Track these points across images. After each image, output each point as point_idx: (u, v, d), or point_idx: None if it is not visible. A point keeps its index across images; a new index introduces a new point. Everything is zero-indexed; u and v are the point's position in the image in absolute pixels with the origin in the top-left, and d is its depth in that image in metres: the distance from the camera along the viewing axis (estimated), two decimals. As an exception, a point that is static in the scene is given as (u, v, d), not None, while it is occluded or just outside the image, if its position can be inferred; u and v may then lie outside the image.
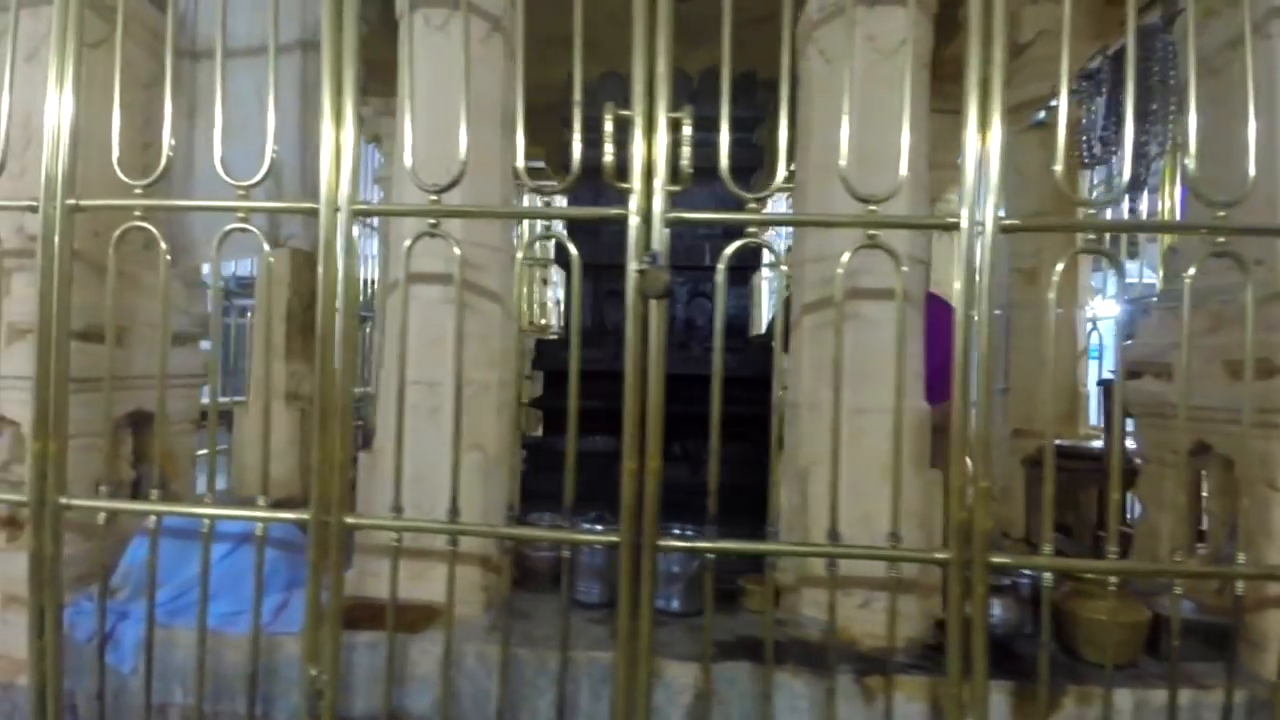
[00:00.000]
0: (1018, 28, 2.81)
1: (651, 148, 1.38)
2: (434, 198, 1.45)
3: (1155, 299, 2.22)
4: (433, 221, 1.45)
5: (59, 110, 1.56)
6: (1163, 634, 1.50)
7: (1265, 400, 1.57)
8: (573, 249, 1.48)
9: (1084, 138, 2.36)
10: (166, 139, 1.57)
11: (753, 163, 2.56)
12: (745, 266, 3.19)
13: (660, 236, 1.38)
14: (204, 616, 1.51)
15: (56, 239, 1.53)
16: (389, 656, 1.48)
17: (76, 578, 1.81)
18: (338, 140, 1.44)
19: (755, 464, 1.90)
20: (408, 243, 1.50)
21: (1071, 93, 2.11)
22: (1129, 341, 2.21)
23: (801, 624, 1.73)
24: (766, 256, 3.42)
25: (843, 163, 1.41)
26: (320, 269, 1.44)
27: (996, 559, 1.35)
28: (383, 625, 1.55)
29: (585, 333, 1.65)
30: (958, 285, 1.38)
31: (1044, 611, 1.37)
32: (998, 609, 1.65)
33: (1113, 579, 1.41)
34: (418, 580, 1.73)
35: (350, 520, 1.48)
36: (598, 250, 2.27)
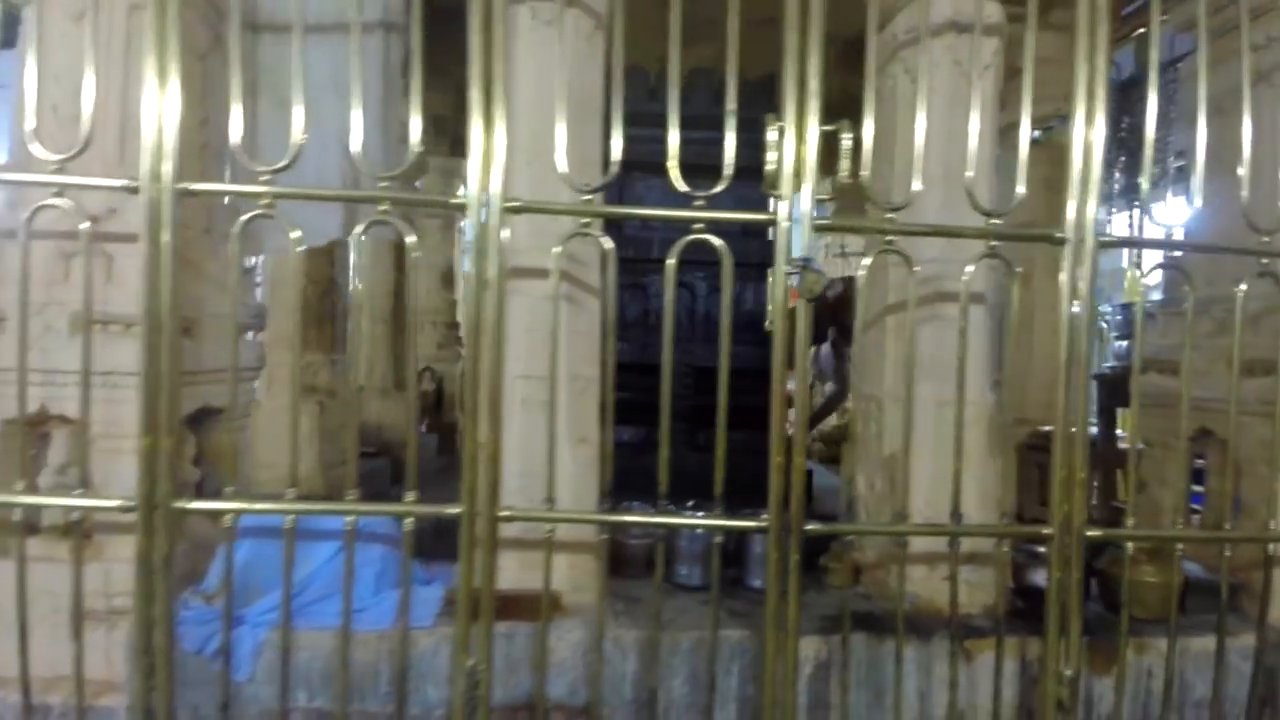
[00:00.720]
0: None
1: (802, 156, 1.47)
2: (587, 197, 1.47)
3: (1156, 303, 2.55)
4: (585, 221, 1.48)
5: (162, 89, 1.43)
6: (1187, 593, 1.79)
7: (1267, 394, 1.87)
8: (723, 247, 1.54)
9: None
10: (290, 125, 1.49)
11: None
12: (764, 264, 3.35)
13: (808, 241, 1.47)
14: (349, 615, 1.47)
15: (164, 224, 1.42)
16: (540, 643, 1.51)
17: (157, 584, 1.69)
18: (488, 142, 1.43)
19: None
20: (558, 248, 1.51)
21: (1062, 117, 2.38)
22: (1122, 341, 2.52)
23: (889, 598, 1.89)
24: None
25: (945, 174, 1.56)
26: (486, 267, 1.43)
27: (1091, 532, 1.56)
28: (513, 616, 1.57)
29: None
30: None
31: (1125, 576, 1.59)
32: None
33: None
34: (536, 570, 1.75)
35: (503, 513, 1.49)
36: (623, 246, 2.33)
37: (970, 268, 1.57)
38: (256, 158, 1.98)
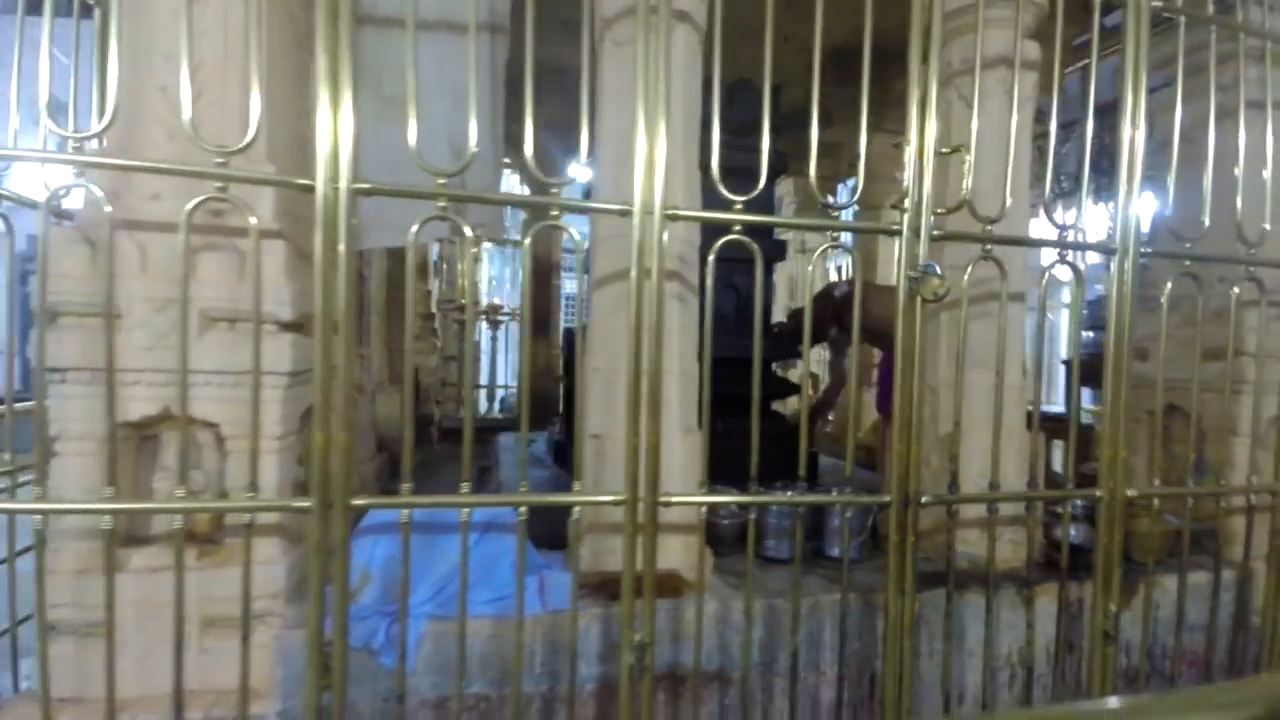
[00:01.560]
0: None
1: (922, 171, 1.67)
2: (739, 205, 1.60)
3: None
4: (738, 229, 1.61)
5: (334, 91, 1.41)
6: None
7: (1233, 374, 2.30)
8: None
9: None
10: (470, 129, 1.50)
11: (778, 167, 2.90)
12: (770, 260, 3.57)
13: (926, 250, 1.68)
14: (522, 601, 1.54)
15: (340, 223, 1.41)
16: (698, 616, 1.65)
17: (294, 586, 1.67)
18: (651, 151, 1.53)
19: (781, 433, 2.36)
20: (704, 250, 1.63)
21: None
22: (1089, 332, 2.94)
23: (943, 559, 2.17)
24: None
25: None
26: (656, 270, 1.53)
27: (1131, 493, 1.89)
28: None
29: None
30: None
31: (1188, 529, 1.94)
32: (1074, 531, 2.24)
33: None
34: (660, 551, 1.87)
35: (663, 499, 1.60)
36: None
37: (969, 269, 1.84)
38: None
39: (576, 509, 1.59)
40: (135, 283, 1.52)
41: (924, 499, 1.72)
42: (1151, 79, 2.08)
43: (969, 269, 1.81)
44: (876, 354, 3.96)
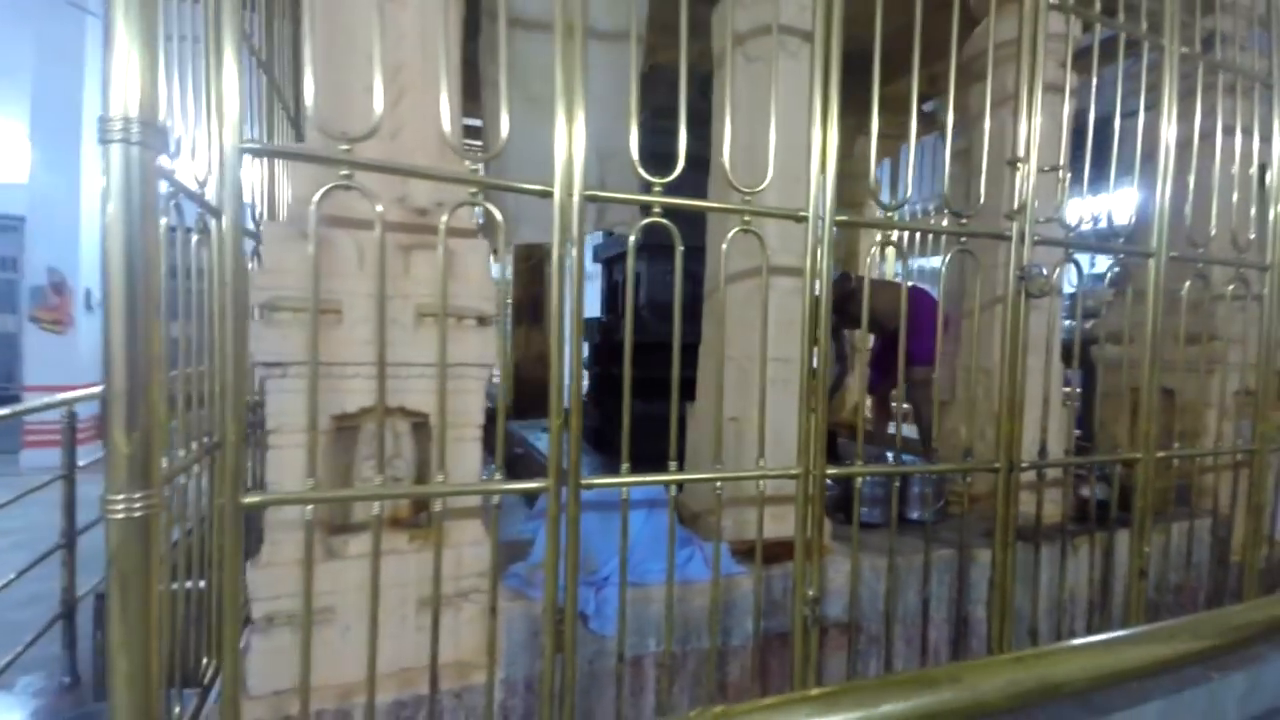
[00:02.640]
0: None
1: (1028, 189, 1.96)
2: (890, 215, 1.83)
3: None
4: (893, 234, 1.84)
5: (571, 100, 1.51)
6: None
7: (1205, 356, 2.79)
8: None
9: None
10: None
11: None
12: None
13: (1029, 254, 1.98)
14: (669, 573, 1.71)
15: (574, 228, 1.51)
16: (853, 574, 1.89)
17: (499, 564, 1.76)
18: (824, 147, 1.72)
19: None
20: (873, 251, 1.84)
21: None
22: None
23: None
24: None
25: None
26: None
27: (1162, 454, 2.29)
28: (778, 558, 1.93)
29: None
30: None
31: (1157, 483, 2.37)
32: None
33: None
34: (779, 521, 2.09)
35: (832, 471, 1.82)
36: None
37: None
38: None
39: (718, 484, 1.76)
40: (354, 280, 1.56)
41: (1023, 464, 2.04)
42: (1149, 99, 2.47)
43: (1057, 270, 2.13)
44: (870, 340, 4.35)
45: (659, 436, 1.69)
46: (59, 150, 6.83)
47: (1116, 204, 2.94)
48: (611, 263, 4.36)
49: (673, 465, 1.71)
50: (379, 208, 1.37)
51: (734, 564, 1.98)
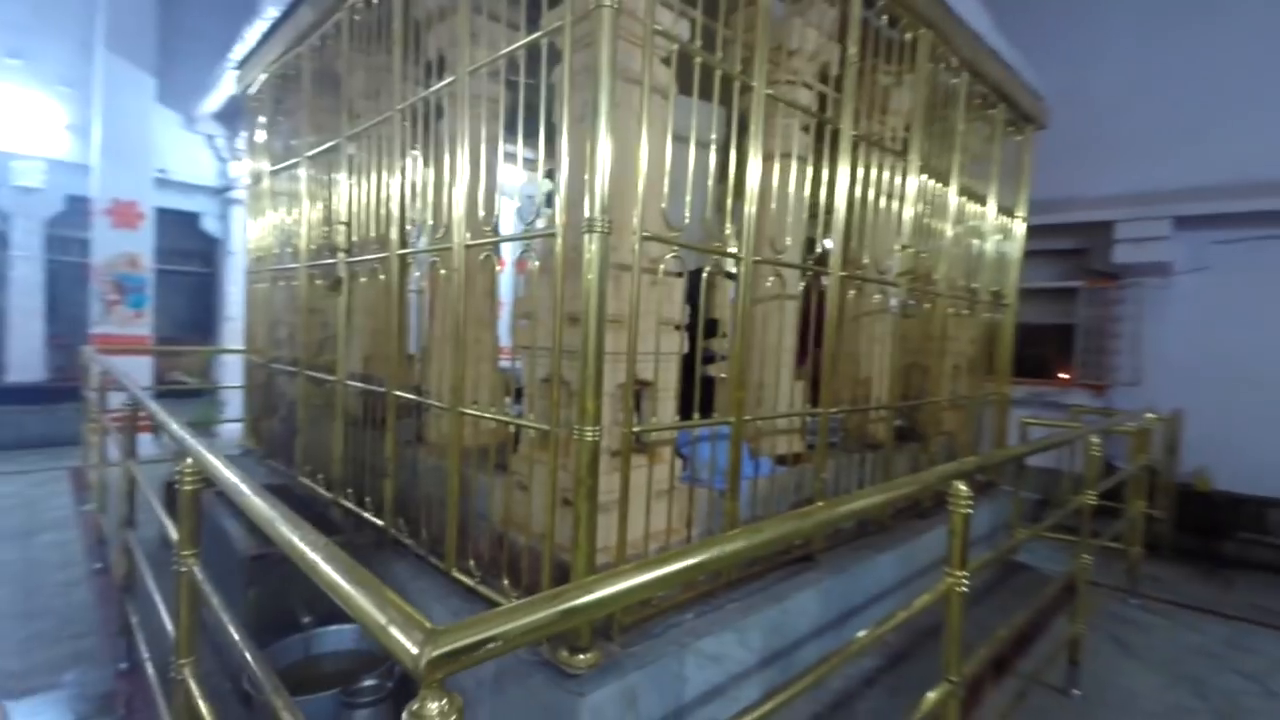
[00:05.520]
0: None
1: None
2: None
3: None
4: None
5: (742, 183, 2.71)
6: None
7: (937, 347, 4.95)
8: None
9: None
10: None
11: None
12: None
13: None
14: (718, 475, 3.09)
15: (744, 283, 2.73)
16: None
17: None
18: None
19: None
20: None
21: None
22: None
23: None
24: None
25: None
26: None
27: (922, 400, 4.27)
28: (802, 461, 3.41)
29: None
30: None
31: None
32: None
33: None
34: (791, 441, 3.53)
35: (820, 411, 3.30)
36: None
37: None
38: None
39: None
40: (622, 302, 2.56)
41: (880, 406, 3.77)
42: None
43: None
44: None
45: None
46: None
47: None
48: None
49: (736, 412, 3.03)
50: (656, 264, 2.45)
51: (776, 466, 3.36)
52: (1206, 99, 7.11)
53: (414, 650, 0.74)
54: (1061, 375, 8.29)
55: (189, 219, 9.71)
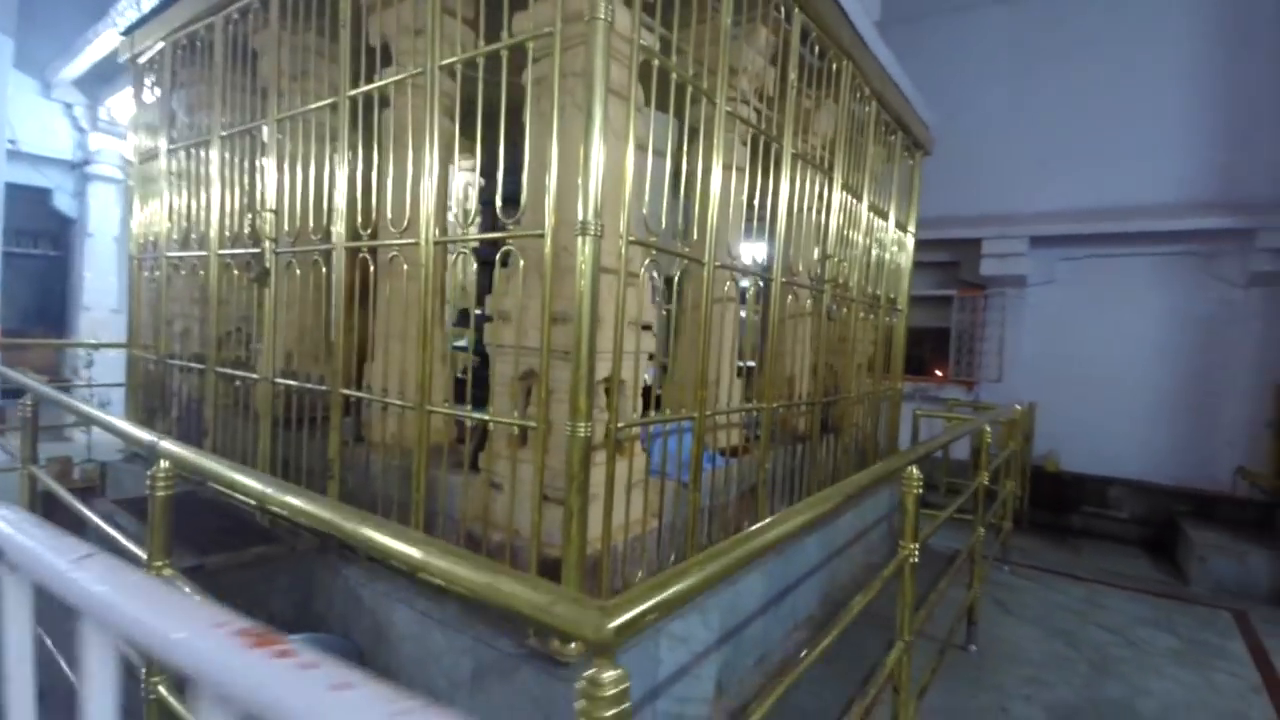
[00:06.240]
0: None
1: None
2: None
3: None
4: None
5: (706, 195, 2.89)
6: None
7: (847, 348, 5.41)
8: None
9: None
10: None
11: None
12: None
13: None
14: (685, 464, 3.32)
15: (707, 287, 2.91)
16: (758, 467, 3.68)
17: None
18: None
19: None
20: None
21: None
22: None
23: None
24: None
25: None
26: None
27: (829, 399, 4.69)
28: (744, 454, 3.66)
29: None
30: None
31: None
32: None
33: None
34: (732, 436, 3.76)
35: (787, 403, 3.55)
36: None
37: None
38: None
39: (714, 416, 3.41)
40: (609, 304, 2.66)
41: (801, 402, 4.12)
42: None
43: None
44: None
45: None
46: None
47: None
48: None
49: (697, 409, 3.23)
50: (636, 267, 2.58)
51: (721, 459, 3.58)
52: (1061, 133, 8.23)
53: (593, 626, 0.83)
54: (938, 373, 9.25)
55: (39, 195, 8.53)
